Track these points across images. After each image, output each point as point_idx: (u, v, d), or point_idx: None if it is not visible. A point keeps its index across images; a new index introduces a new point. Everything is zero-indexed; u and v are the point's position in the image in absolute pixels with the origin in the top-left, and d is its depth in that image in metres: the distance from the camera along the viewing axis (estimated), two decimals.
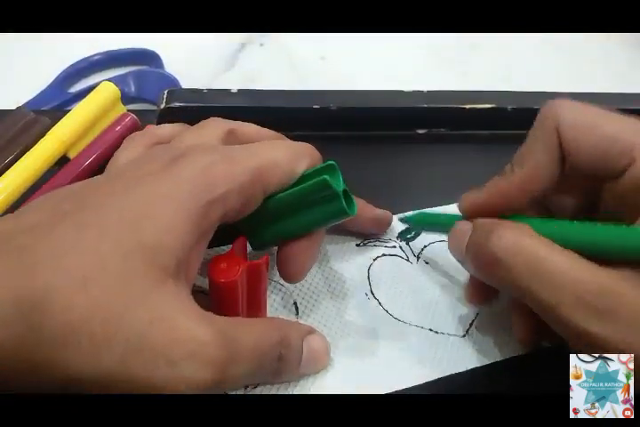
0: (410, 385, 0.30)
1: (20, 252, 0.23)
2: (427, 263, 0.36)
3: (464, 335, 0.33)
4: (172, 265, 0.24)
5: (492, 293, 0.31)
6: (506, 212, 0.29)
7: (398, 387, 0.30)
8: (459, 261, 0.30)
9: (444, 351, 0.32)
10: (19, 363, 0.22)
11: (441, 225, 0.32)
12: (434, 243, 0.37)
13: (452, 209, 0.33)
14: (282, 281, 0.32)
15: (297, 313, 0.32)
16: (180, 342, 0.23)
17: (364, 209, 0.35)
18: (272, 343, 0.27)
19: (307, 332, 0.29)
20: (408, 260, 0.36)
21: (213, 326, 0.24)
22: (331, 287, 0.34)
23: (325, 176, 0.27)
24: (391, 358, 0.31)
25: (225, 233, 0.28)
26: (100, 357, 0.22)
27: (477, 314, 0.34)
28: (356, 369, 0.31)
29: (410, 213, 0.36)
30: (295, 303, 0.33)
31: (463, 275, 0.34)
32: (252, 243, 0.31)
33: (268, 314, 0.32)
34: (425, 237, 0.37)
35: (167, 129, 0.35)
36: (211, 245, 0.27)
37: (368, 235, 0.37)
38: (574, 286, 0.24)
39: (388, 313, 0.33)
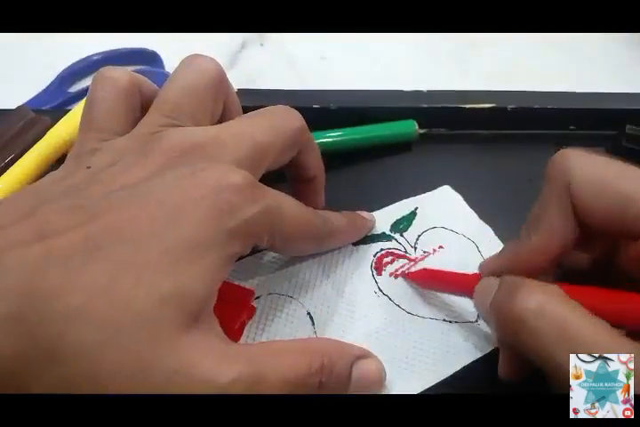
0: (437, 381, 0.31)
1: (54, 293, 0.22)
2: (424, 252, 0.36)
3: (476, 321, 0.33)
4: (200, 309, 0.24)
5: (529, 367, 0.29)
6: (526, 276, 0.27)
7: (427, 385, 0.30)
8: (482, 318, 0.29)
9: (461, 340, 0.32)
10: None
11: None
12: (427, 231, 0.37)
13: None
14: (292, 294, 0.33)
15: (313, 323, 0.32)
16: (201, 390, 0.23)
17: (353, 223, 0.35)
18: (308, 373, 0.25)
19: (356, 356, 0.28)
20: (406, 252, 0.36)
21: (237, 365, 0.24)
22: (340, 291, 0.34)
23: None
24: (415, 354, 0.31)
25: None
26: None
27: None
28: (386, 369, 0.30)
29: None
30: (309, 313, 0.33)
31: (464, 263, 0.35)
32: None
33: (285, 328, 0.32)
34: (417, 226, 0.37)
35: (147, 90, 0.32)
36: None
37: None
38: None
39: (401, 308, 0.33)
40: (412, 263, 0.35)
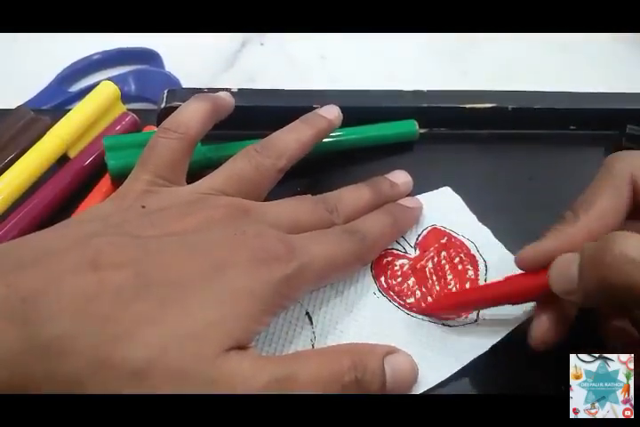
0: (439, 381, 0.30)
1: (102, 319, 0.24)
2: (424, 252, 0.36)
3: (476, 320, 0.33)
4: (245, 338, 0.26)
5: (562, 332, 0.30)
6: None
7: (427, 386, 0.30)
8: (566, 294, 0.27)
9: (461, 340, 0.32)
10: None
11: None
12: (427, 229, 0.37)
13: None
14: None
15: (311, 323, 0.32)
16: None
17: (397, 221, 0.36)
18: (340, 370, 0.27)
19: (385, 352, 0.29)
20: (406, 251, 0.36)
21: (270, 370, 0.26)
22: (339, 292, 0.34)
23: None
24: (414, 355, 0.31)
25: None
26: None
27: None
28: None
29: None
30: (308, 313, 0.33)
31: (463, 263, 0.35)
32: None
33: (283, 327, 0.32)
34: (417, 226, 0.37)
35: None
36: None
37: None
38: None
39: (401, 309, 0.33)
40: (411, 262, 0.35)
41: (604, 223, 0.28)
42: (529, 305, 0.32)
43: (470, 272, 0.35)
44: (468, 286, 0.34)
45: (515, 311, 0.32)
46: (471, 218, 0.38)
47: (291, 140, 0.35)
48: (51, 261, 0.25)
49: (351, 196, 0.35)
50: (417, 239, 0.36)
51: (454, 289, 0.34)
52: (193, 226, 0.29)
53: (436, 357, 0.31)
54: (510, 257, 0.34)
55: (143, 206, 0.30)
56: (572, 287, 0.27)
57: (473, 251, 0.36)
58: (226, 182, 0.33)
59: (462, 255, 0.36)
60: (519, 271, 0.30)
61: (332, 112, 0.37)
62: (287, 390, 0.25)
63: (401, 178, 0.38)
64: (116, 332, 0.24)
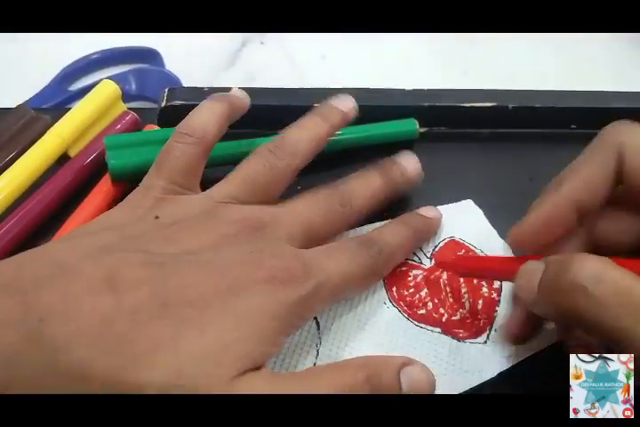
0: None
1: (120, 341, 0.24)
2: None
3: (485, 342, 0.32)
4: (261, 360, 0.26)
5: (534, 330, 0.30)
6: (558, 231, 0.28)
7: None
8: (528, 303, 0.28)
9: (468, 361, 0.31)
10: None
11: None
12: (444, 241, 0.36)
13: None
14: None
15: (318, 328, 0.32)
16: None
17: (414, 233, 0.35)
18: (353, 383, 0.26)
19: (401, 364, 0.27)
20: (421, 262, 0.35)
21: (284, 386, 0.25)
22: (349, 300, 0.33)
23: None
24: None
25: None
26: None
27: (495, 317, 0.33)
28: None
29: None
30: (316, 319, 0.32)
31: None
32: None
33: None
34: (435, 237, 0.36)
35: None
36: None
37: None
38: None
39: (410, 320, 0.33)
40: (425, 273, 0.35)
41: (589, 191, 0.28)
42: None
43: (484, 289, 0.34)
44: (481, 302, 0.34)
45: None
46: (491, 233, 0.37)
47: (304, 137, 0.34)
48: (67, 278, 0.25)
49: (363, 185, 0.34)
50: (433, 250, 0.36)
51: (467, 303, 0.34)
52: (209, 243, 0.29)
53: (443, 371, 0.31)
54: None
55: (157, 217, 0.30)
56: (532, 298, 0.27)
57: None
58: (240, 188, 0.32)
59: None
60: None
61: (346, 104, 0.36)
62: None
63: (411, 164, 0.37)
64: (132, 355, 0.24)
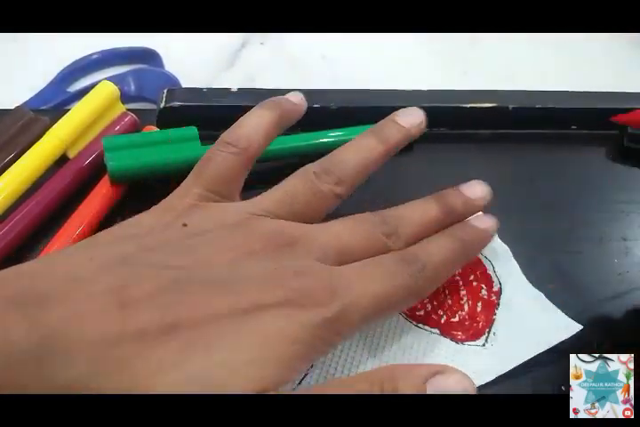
0: None
1: (122, 364, 0.23)
2: None
3: (484, 345, 0.32)
4: (273, 387, 0.24)
5: None
6: None
7: None
8: None
9: (465, 364, 0.31)
10: None
11: None
12: None
13: None
14: None
15: None
16: None
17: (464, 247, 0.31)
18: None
19: (430, 373, 0.24)
20: None
21: None
22: None
23: None
24: None
25: None
26: None
27: (494, 320, 0.33)
28: None
29: None
30: None
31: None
32: None
33: None
34: None
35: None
36: None
37: None
38: None
39: (409, 321, 0.33)
40: None
41: None
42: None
43: (484, 291, 0.34)
44: (480, 305, 0.34)
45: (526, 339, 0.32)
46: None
47: (354, 162, 0.31)
48: (76, 294, 0.24)
49: (416, 215, 0.31)
50: None
51: (466, 306, 0.33)
52: (230, 259, 0.27)
53: None
54: (524, 282, 0.34)
55: (185, 224, 0.28)
56: None
57: (489, 271, 0.35)
58: (278, 205, 0.30)
59: (478, 273, 0.35)
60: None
61: (410, 120, 0.34)
62: None
63: (477, 192, 0.33)
64: (132, 378, 0.23)
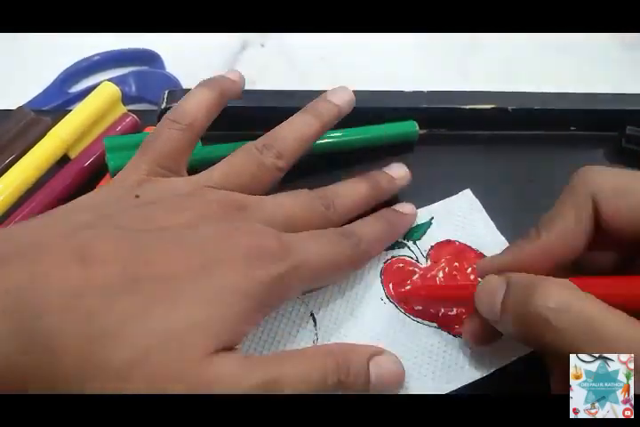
0: (442, 393, 0.30)
1: (89, 315, 0.24)
2: (434, 263, 0.35)
3: None
4: (233, 340, 0.26)
5: (496, 335, 0.29)
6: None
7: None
8: (489, 318, 0.28)
9: (464, 358, 0.31)
10: None
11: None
12: (441, 240, 0.36)
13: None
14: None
15: (315, 324, 0.32)
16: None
17: (390, 227, 0.35)
18: (324, 372, 0.26)
19: (370, 353, 0.29)
20: (417, 260, 0.35)
21: (256, 373, 0.25)
22: (346, 296, 0.33)
23: None
24: (415, 364, 0.31)
25: None
26: None
27: None
28: None
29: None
30: (312, 315, 0.32)
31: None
32: None
33: (286, 327, 0.32)
34: (432, 236, 0.36)
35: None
36: None
37: None
38: (628, 349, 0.23)
39: (407, 315, 0.33)
40: (421, 272, 0.35)
41: (564, 244, 0.27)
42: None
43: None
44: None
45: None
46: (489, 227, 0.37)
47: (293, 136, 0.34)
48: (37, 254, 0.25)
49: (348, 190, 0.35)
50: (430, 249, 0.36)
51: None
52: (185, 221, 0.28)
53: (440, 366, 0.31)
54: None
55: (137, 196, 0.30)
56: (494, 318, 0.27)
57: None
58: (225, 178, 0.32)
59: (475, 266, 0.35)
60: None
61: (341, 96, 0.36)
62: (273, 392, 0.25)
63: (399, 172, 0.37)
64: (102, 329, 0.24)
